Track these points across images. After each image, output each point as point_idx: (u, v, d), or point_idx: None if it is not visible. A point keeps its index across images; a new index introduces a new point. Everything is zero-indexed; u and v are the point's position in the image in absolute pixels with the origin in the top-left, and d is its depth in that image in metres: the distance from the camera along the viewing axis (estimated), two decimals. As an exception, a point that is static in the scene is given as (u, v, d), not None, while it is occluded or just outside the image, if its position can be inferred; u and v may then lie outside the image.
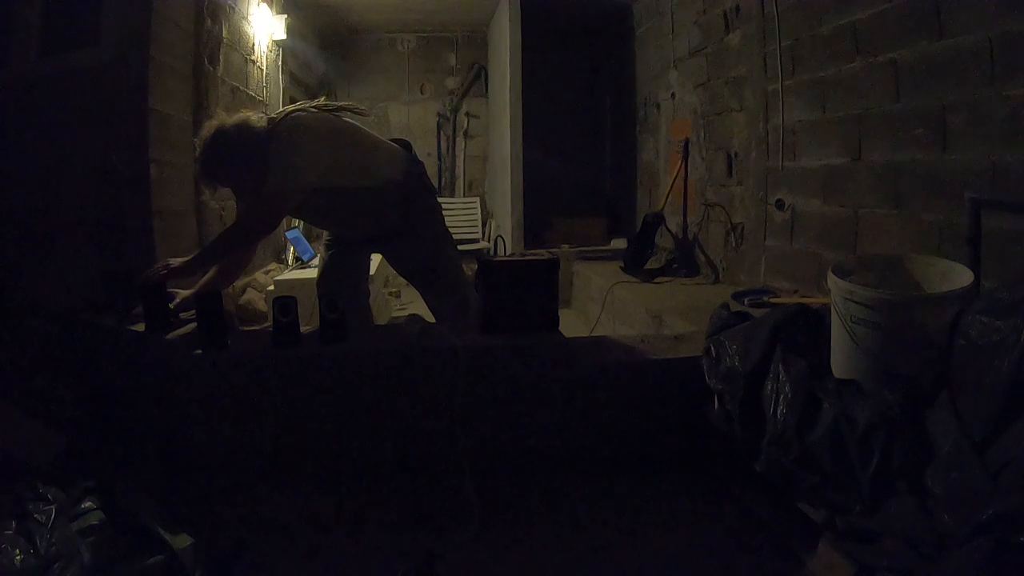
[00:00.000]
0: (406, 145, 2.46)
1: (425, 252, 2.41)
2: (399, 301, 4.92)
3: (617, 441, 1.98)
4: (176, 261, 2.08)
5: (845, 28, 2.56)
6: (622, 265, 4.33)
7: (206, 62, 3.19)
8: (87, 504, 1.45)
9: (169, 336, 1.97)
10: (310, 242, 4.51)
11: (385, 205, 2.29)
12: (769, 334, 1.64)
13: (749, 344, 1.67)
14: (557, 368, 1.96)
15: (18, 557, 1.31)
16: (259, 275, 3.92)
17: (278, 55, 4.51)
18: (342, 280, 2.44)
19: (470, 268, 2.51)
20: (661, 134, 4.81)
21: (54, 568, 1.31)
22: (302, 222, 5.09)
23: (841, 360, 1.61)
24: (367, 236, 2.45)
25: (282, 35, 4.34)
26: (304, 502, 1.80)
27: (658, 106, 4.83)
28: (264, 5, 4.12)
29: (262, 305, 3.56)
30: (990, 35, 1.92)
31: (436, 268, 2.44)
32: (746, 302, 2.85)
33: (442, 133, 6.70)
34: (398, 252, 2.47)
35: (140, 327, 2.03)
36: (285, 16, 4.37)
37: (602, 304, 3.90)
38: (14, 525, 1.37)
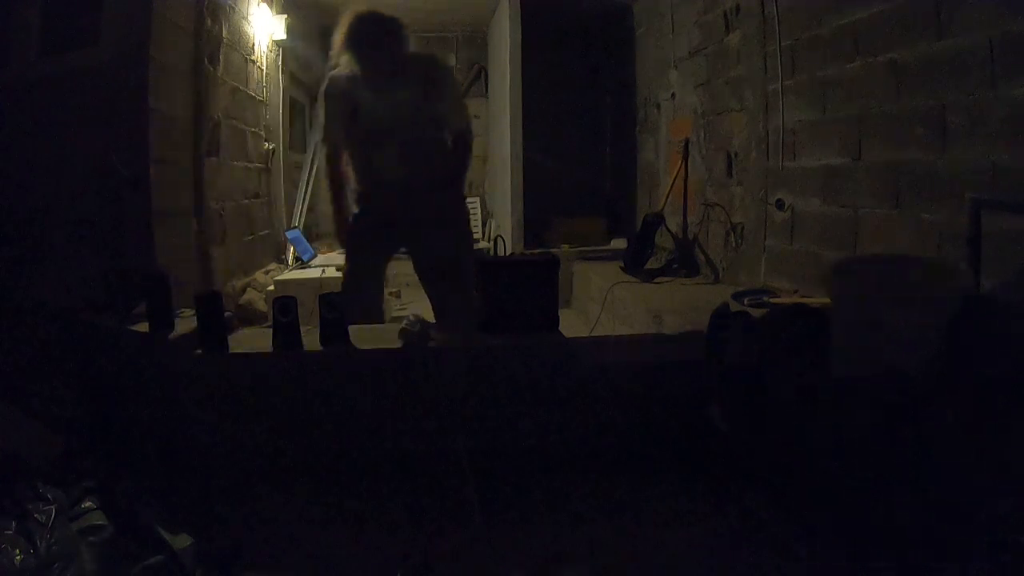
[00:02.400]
0: None
1: (454, 251, 2.51)
2: (399, 301, 4.92)
3: (617, 441, 1.98)
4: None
5: (845, 28, 2.56)
6: (622, 265, 4.33)
7: (206, 62, 3.19)
8: (87, 504, 1.45)
9: (169, 336, 1.98)
10: (310, 242, 4.51)
11: (435, 164, 2.49)
12: (769, 334, 1.64)
13: (749, 344, 1.67)
14: (557, 368, 1.96)
15: (18, 557, 1.31)
16: (259, 275, 3.92)
17: (278, 55, 4.51)
18: (368, 253, 2.55)
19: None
20: (661, 134, 4.81)
21: (54, 568, 1.31)
22: (301, 222, 5.10)
23: (842, 360, 1.61)
24: (403, 200, 2.47)
25: (282, 35, 4.33)
26: (304, 502, 1.80)
27: (658, 106, 4.82)
28: (264, 5, 4.12)
29: (262, 305, 3.56)
30: (990, 35, 1.92)
31: (459, 268, 2.48)
32: (746, 302, 2.84)
33: (442, 133, 6.69)
34: (429, 245, 2.55)
35: (140, 327, 2.03)
36: (285, 16, 4.36)
37: (602, 304, 3.90)
38: (14, 525, 1.37)
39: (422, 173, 2.46)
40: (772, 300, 2.82)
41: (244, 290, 3.67)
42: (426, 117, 2.47)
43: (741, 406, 1.65)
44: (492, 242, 6.36)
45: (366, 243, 2.55)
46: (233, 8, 3.59)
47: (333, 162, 2.55)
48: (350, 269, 2.60)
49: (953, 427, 1.27)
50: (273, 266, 4.29)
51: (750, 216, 3.44)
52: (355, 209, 2.57)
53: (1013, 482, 1.12)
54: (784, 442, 1.50)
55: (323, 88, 2.53)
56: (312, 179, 5.72)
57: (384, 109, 2.44)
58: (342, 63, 2.46)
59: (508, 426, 1.95)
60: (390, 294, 4.84)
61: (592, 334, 3.48)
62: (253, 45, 4.00)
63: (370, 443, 1.95)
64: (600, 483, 1.87)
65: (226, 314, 2.06)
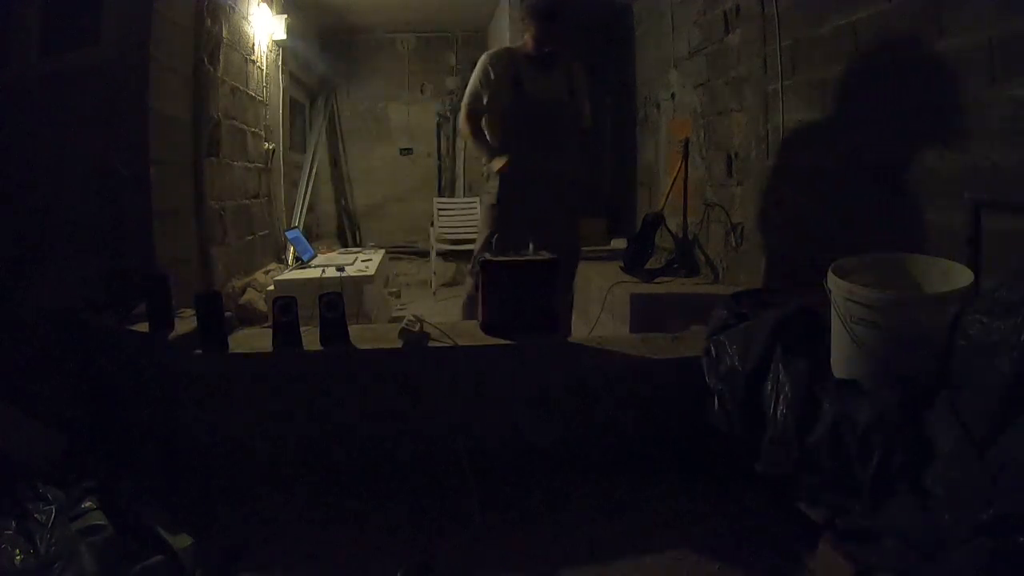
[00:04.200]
0: None
1: (572, 243, 2.91)
2: (399, 301, 4.92)
3: (617, 441, 1.98)
4: None
5: (845, 28, 2.56)
6: (622, 265, 4.32)
7: (206, 62, 3.19)
8: (87, 504, 1.45)
9: (169, 336, 1.98)
10: (310, 242, 4.51)
11: (570, 161, 2.86)
12: (769, 334, 1.64)
13: (749, 344, 1.67)
14: (557, 368, 1.96)
15: (18, 557, 1.31)
16: (259, 275, 3.91)
17: (278, 55, 4.50)
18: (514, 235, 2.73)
19: (469, 269, 2.67)
20: (661, 134, 4.81)
21: (54, 568, 1.31)
22: (301, 222, 5.10)
23: (841, 360, 1.61)
24: (545, 181, 2.76)
25: (282, 35, 4.33)
26: (304, 502, 1.80)
27: (658, 106, 4.82)
28: (264, 5, 4.12)
29: (262, 305, 3.56)
30: (990, 35, 1.92)
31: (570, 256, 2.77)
32: (746, 302, 2.83)
33: (442, 133, 6.69)
34: (553, 238, 2.73)
35: (140, 327, 2.03)
36: (285, 16, 4.36)
37: (602, 304, 3.90)
38: (14, 525, 1.37)
39: (563, 149, 2.81)
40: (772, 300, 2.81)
41: (244, 290, 3.66)
42: (572, 104, 2.88)
43: (741, 406, 1.65)
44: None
45: (510, 221, 2.72)
46: (233, 8, 3.59)
47: (474, 123, 2.83)
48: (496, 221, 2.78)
49: (953, 426, 1.27)
50: (273, 266, 4.28)
51: (750, 216, 3.44)
52: (497, 177, 2.80)
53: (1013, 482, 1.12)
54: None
55: (485, 58, 2.76)
56: (312, 179, 5.72)
57: (544, 82, 2.76)
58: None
59: (508, 426, 1.95)
60: (390, 294, 4.84)
61: (592, 334, 3.47)
62: (253, 45, 4.00)
63: (370, 443, 1.95)
64: (600, 483, 1.88)
65: (226, 314, 2.06)
